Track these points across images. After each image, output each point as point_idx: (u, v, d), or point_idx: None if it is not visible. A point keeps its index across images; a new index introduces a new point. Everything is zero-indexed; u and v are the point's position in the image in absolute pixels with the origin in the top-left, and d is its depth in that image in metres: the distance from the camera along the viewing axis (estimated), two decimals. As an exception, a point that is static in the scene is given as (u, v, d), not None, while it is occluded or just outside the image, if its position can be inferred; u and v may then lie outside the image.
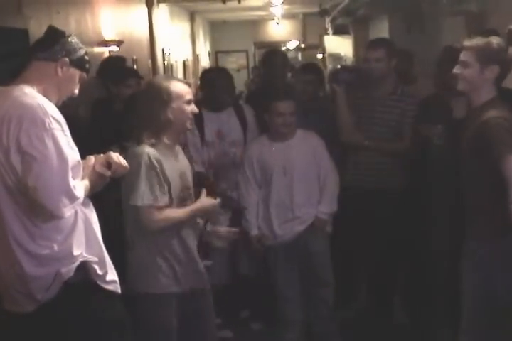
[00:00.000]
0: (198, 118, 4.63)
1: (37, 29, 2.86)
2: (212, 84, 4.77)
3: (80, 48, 2.81)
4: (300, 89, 5.10)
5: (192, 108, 3.31)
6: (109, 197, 3.64)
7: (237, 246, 4.65)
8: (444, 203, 3.97)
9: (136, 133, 3.22)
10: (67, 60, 2.74)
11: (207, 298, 3.47)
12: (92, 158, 2.83)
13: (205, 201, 3.38)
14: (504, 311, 3.27)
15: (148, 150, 3.18)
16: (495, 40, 3.25)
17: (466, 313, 3.33)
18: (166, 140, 3.26)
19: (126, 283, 3.16)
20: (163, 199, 3.20)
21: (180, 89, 3.26)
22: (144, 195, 3.16)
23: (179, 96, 3.24)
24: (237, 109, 4.81)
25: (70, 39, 2.78)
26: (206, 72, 5.50)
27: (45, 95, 2.69)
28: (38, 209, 2.59)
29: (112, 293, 2.83)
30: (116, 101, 4.88)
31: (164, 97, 3.20)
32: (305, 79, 5.18)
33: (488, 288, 3.24)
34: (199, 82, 5.27)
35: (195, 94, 13.24)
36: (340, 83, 4.56)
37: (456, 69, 3.29)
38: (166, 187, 3.21)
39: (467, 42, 3.26)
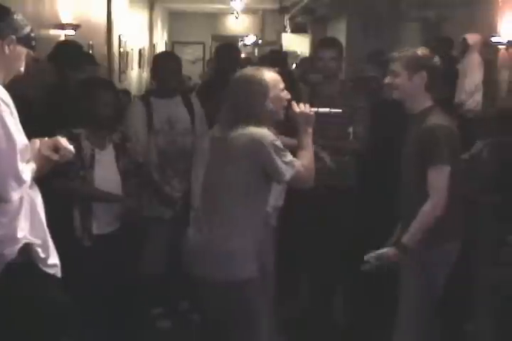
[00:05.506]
0: (146, 105, 4.60)
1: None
2: (164, 68, 4.70)
3: (26, 25, 2.74)
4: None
5: (285, 94, 3.28)
6: (56, 182, 3.64)
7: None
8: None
9: (243, 122, 3.14)
10: (13, 37, 2.68)
11: None
12: (37, 141, 2.78)
13: None
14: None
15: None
16: (420, 50, 3.42)
17: (404, 313, 3.40)
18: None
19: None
20: None
21: (274, 77, 3.24)
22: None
23: (275, 85, 3.22)
24: (184, 99, 4.76)
25: (15, 16, 2.71)
26: (158, 56, 5.42)
27: (-8, 74, 2.63)
28: None
29: (52, 276, 2.81)
30: (70, 87, 4.82)
31: (263, 88, 3.17)
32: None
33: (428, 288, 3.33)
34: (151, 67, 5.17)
35: (151, 84, 13.01)
36: (308, 84, 4.56)
37: (387, 80, 3.46)
38: None
39: (395, 54, 3.43)
